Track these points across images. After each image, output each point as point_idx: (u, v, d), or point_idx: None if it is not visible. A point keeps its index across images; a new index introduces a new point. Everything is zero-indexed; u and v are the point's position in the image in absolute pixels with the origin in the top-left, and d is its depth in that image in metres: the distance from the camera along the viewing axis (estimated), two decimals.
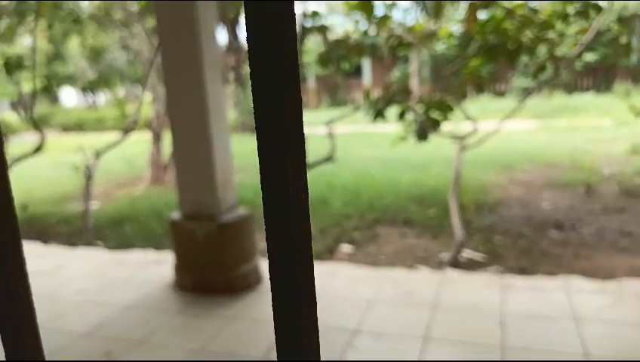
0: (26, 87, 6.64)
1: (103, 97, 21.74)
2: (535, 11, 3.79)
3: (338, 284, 3.34)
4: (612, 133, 9.50)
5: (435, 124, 3.93)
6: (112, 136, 8.62)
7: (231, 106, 14.02)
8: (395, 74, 16.99)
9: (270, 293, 0.43)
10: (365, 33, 4.44)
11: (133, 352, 2.64)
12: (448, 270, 3.56)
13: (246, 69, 13.18)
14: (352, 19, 4.86)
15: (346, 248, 4.26)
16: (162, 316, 3.05)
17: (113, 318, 3.04)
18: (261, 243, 3.86)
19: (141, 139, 9.44)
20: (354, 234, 4.59)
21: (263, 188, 0.40)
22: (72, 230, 5.36)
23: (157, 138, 7.52)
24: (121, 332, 2.86)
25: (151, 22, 6.43)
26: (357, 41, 4.39)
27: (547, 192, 5.65)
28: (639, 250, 3.82)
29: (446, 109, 3.89)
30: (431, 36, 4.36)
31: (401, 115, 4.01)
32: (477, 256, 3.87)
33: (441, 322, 2.75)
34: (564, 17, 3.80)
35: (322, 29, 4.25)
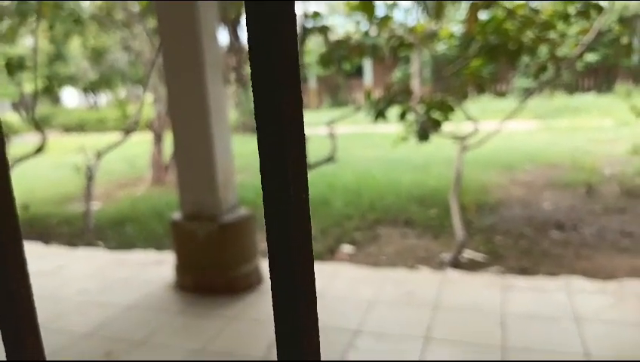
0: (28, 87, 6.65)
1: (104, 98, 21.77)
2: (536, 11, 3.78)
3: (339, 285, 3.34)
4: (613, 134, 9.49)
5: (436, 125, 3.93)
6: (114, 136, 8.63)
7: (232, 107, 14.02)
8: (396, 74, 17.01)
9: (271, 293, 0.43)
10: (366, 34, 4.44)
11: (133, 352, 2.64)
12: (449, 270, 3.56)
13: (247, 70, 13.19)
14: (353, 19, 4.86)
15: (346, 248, 4.26)
16: (163, 316, 3.05)
17: (114, 318, 3.04)
18: (262, 243, 3.86)
19: (142, 140, 9.44)
20: (355, 234, 4.59)
21: (263, 189, 0.40)
22: (74, 230, 5.36)
23: (158, 138, 7.53)
24: (122, 333, 2.86)
25: (152, 22, 6.44)
26: (358, 42, 4.39)
27: (548, 192, 5.65)
28: None
29: (447, 110, 3.89)
30: (432, 37, 4.36)
31: (402, 116, 4.01)
32: (478, 256, 3.87)
33: (442, 322, 2.75)
34: (565, 17, 3.80)
35: (323, 30, 4.25)
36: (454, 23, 5.80)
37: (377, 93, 4.72)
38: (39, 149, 4.71)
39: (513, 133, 10.09)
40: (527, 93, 5.58)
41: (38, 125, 4.96)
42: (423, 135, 3.99)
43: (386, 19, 4.11)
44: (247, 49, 0.38)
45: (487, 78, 4.31)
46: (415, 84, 4.43)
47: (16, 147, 5.39)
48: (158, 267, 3.86)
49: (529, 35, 3.77)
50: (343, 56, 4.46)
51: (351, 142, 10.30)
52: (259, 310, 3.07)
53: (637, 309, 2.76)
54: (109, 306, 3.21)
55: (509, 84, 17.36)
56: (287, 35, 0.37)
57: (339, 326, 2.75)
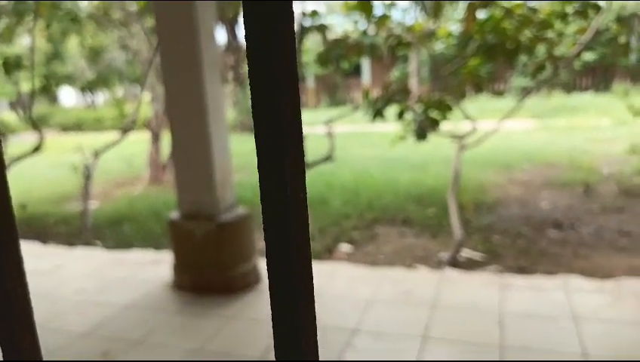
0: (25, 86, 6.62)
1: (101, 97, 21.71)
2: (534, 11, 3.79)
3: (337, 284, 3.34)
4: (611, 133, 9.52)
5: (434, 124, 3.93)
6: (111, 135, 8.61)
7: (230, 106, 14.02)
8: (394, 73, 16.99)
9: (269, 293, 0.42)
10: (364, 33, 4.43)
11: (131, 352, 2.63)
12: (447, 269, 3.56)
13: (245, 69, 13.18)
14: (351, 18, 4.85)
15: (344, 248, 4.26)
16: (161, 316, 3.05)
17: (112, 318, 3.04)
18: (260, 242, 3.86)
19: (140, 139, 9.43)
20: (353, 233, 4.59)
21: (261, 188, 0.40)
22: (71, 230, 5.35)
23: (156, 138, 7.52)
24: (120, 332, 2.86)
25: (150, 21, 6.43)
26: (356, 41, 4.39)
27: (546, 192, 5.66)
28: (638, 250, 3.82)
29: (445, 109, 3.89)
30: (430, 36, 4.36)
31: (400, 115, 4.01)
32: (476, 255, 3.88)
33: (440, 321, 2.75)
34: (563, 17, 3.80)
35: (321, 29, 4.24)
36: (452, 22, 5.80)
37: (375, 92, 4.72)
38: (36, 148, 4.70)
39: (511, 133, 10.11)
40: (525, 92, 5.59)
41: (36, 124, 4.95)
42: (421, 134, 3.99)
43: (384, 18, 4.11)
44: (245, 48, 0.38)
45: (484, 77, 4.31)
46: (413, 84, 4.42)
47: (13, 146, 5.37)
48: (155, 266, 3.85)
49: (527, 34, 3.78)
50: (341, 55, 4.45)
51: (349, 141, 10.30)
52: (257, 309, 3.07)
53: (634, 308, 2.76)
54: (106, 306, 3.20)
55: (506, 84, 17.38)
56: (285, 34, 0.37)
57: (337, 326, 2.76)
